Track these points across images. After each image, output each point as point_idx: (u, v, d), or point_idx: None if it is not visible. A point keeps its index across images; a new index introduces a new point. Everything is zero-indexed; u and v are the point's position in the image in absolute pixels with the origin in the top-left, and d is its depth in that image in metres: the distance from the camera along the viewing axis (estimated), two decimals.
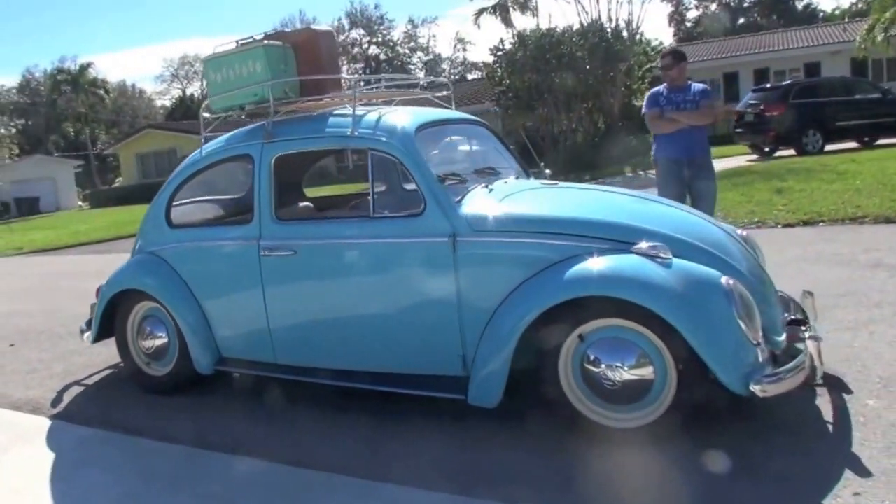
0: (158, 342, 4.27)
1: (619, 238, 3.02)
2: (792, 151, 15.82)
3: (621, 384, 2.88)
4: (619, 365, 2.87)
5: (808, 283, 5.04)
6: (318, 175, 28.45)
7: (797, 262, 5.86)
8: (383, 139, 3.42)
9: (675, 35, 48.04)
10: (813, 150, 15.42)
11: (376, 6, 52.52)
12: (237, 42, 3.93)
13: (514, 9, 29.36)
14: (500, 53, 20.51)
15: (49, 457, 3.50)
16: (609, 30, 19.54)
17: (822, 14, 46.17)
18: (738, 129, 17.04)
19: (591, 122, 20.38)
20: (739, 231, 3.76)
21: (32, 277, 10.99)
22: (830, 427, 2.95)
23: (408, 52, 54.83)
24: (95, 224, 20.69)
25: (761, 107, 16.05)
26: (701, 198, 5.42)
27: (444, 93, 4.54)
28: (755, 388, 2.66)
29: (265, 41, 3.82)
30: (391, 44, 54.06)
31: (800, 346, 3.08)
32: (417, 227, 3.31)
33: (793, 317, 3.41)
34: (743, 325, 2.71)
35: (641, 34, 21.01)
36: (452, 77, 41.39)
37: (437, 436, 3.25)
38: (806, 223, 7.66)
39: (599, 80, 18.97)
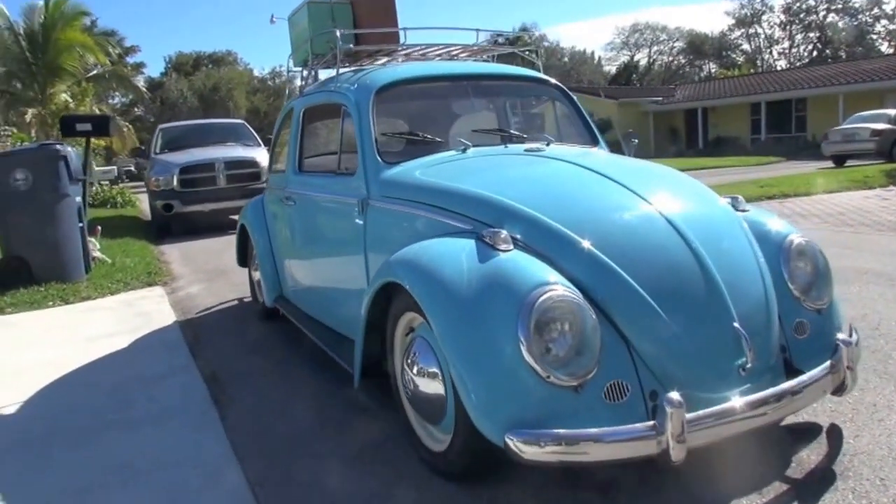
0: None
1: (484, 219, 2.42)
2: None
3: (413, 395, 2.37)
4: (422, 370, 2.35)
5: None
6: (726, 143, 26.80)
7: None
8: (348, 95, 3.29)
9: None
10: None
11: None
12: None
13: None
14: None
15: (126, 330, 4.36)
16: None
17: None
18: None
19: None
20: (792, 238, 2.59)
21: None
22: None
23: (869, 19, 46.27)
24: None
25: None
26: None
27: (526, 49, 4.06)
28: (513, 443, 1.93)
29: None
30: (852, 11, 46.29)
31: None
32: (348, 186, 3.16)
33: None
34: (530, 358, 1.96)
35: None
36: None
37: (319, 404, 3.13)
38: None
39: None
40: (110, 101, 34.65)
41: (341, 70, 3.74)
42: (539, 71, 3.96)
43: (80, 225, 6.16)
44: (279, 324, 4.58)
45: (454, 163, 2.99)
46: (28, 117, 16.43)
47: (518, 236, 2.30)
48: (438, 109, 3.48)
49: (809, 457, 2.32)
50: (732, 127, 28.65)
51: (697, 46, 53.46)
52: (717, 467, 2.27)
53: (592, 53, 57.92)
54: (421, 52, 4.09)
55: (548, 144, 3.30)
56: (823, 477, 2.18)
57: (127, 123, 22.73)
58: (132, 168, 30.50)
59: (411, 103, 3.43)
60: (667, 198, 2.49)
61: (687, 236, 2.31)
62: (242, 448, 2.71)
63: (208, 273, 6.89)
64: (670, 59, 55.73)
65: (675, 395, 1.92)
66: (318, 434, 2.83)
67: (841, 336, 2.34)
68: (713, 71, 50.77)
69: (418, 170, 2.93)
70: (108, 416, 3.13)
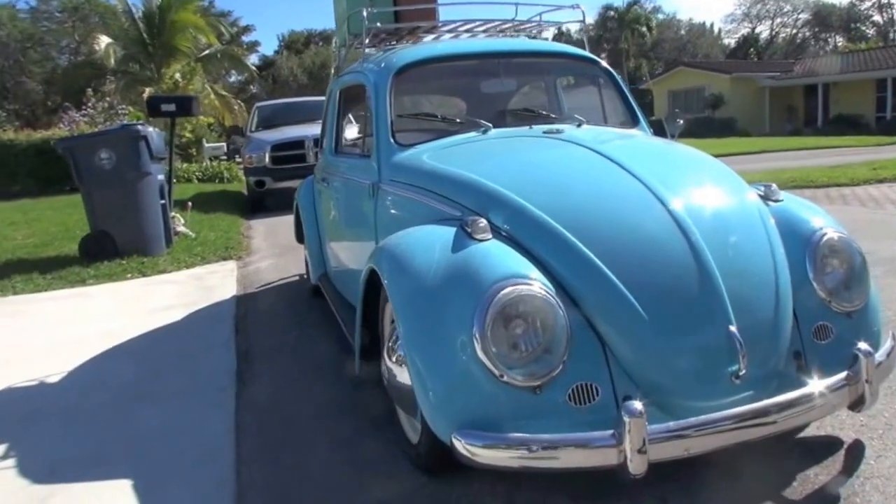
0: None
1: (471, 206, 2.35)
2: None
3: (390, 383, 2.31)
4: (400, 359, 2.28)
5: None
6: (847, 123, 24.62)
7: None
8: (368, 76, 3.26)
9: None
10: None
11: None
12: None
13: None
14: None
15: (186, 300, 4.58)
16: None
17: None
18: None
19: None
20: (824, 232, 2.32)
21: None
22: None
23: None
24: None
25: None
26: None
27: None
28: (460, 444, 1.86)
29: None
30: None
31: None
32: (365, 168, 3.15)
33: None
34: (484, 355, 1.87)
35: None
36: None
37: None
38: None
39: None
40: (229, 79, 36.32)
41: (380, 49, 3.71)
42: (584, 47, 3.76)
43: (162, 202, 6.51)
44: (326, 301, 4.66)
45: (466, 146, 2.90)
46: (145, 96, 17.49)
47: (504, 225, 2.21)
48: (466, 89, 3.39)
49: (817, 476, 2.10)
50: (855, 104, 26.28)
51: (823, 18, 49.49)
52: (706, 477, 2.10)
53: (711, 25, 54.89)
54: (463, 29, 3.98)
55: (579, 125, 3.14)
56: (823, 500, 1.97)
57: (239, 101, 23.73)
58: None
59: (436, 83, 3.36)
60: (677, 187, 2.29)
61: (688, 230, 2.12)
62: (245, 426, 2.78)
63: (282, 248, 7.10)
64: (794, 31, 51.97)
65: (636, 404, 1.79)
66: (320, 416, 2.85)
67: (862, 345, 2.08)
68: (840, 44, 46.86)
69: (427, 153, 2.86)
70: (137, 388, 3.29)
